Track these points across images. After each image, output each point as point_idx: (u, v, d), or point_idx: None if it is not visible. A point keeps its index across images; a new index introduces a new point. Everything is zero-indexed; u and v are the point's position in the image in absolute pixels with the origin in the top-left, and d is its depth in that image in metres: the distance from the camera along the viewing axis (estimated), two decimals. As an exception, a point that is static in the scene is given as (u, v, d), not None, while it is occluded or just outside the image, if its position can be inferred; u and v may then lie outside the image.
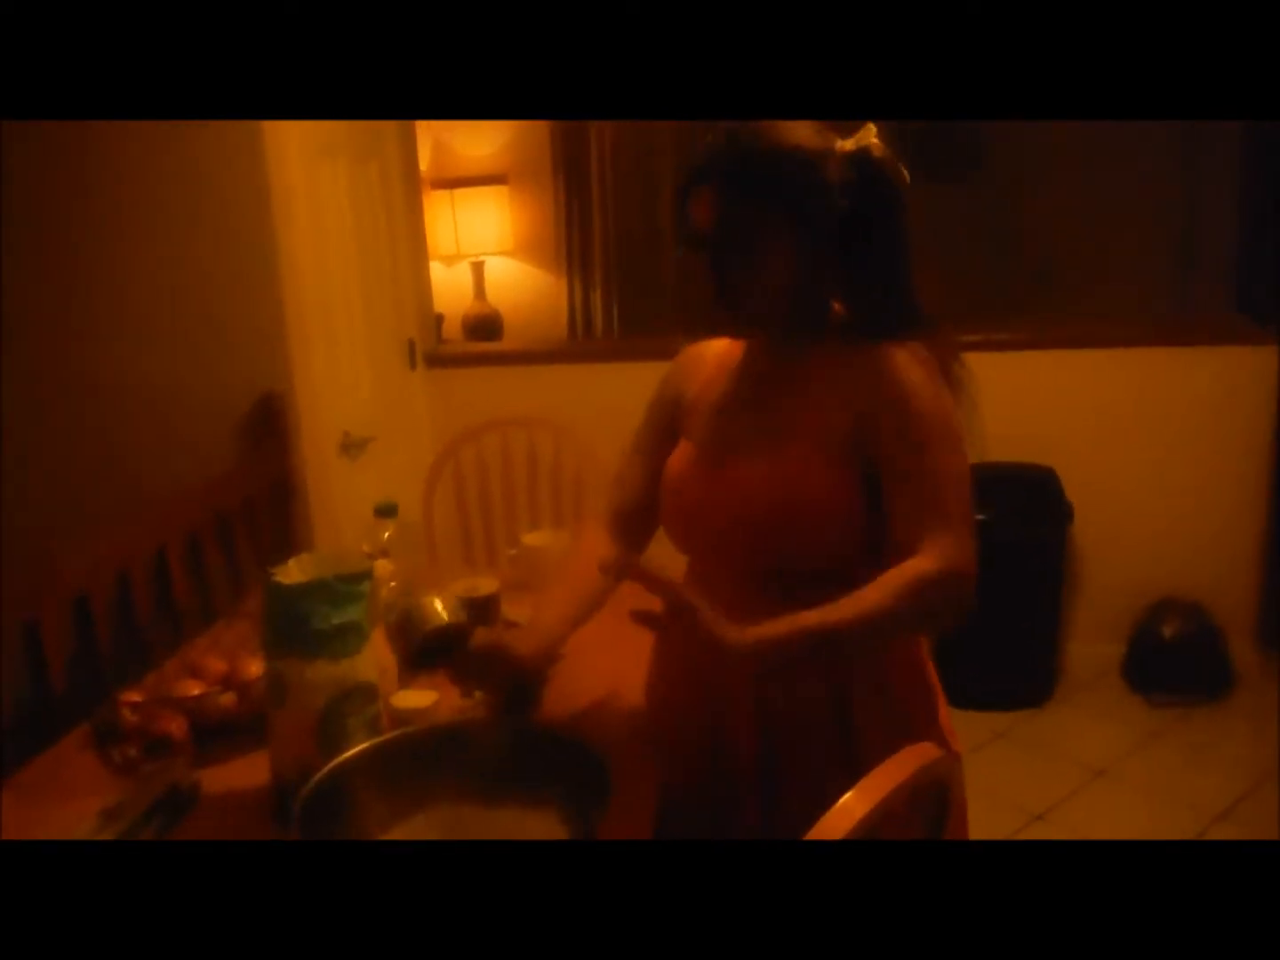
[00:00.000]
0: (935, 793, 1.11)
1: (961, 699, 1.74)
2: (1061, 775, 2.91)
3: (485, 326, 4.51)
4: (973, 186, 4.71)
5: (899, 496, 1.27)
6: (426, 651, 1.36)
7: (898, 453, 1.27)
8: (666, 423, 1.51)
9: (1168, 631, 3.27)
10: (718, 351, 1.50)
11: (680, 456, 1.45)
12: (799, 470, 1.30)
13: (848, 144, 1.30)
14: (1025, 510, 3.21)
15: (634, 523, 1.53)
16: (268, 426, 2.47)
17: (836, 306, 1.39)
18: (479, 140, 4.56)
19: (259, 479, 2.44)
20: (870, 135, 1.31)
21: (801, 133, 1.29)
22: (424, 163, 4.19)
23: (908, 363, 1.28)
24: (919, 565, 1.21)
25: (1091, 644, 3.44)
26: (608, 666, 1.64)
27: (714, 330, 1.48)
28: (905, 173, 1.32)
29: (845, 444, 1.29)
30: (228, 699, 1.54)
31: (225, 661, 1.65)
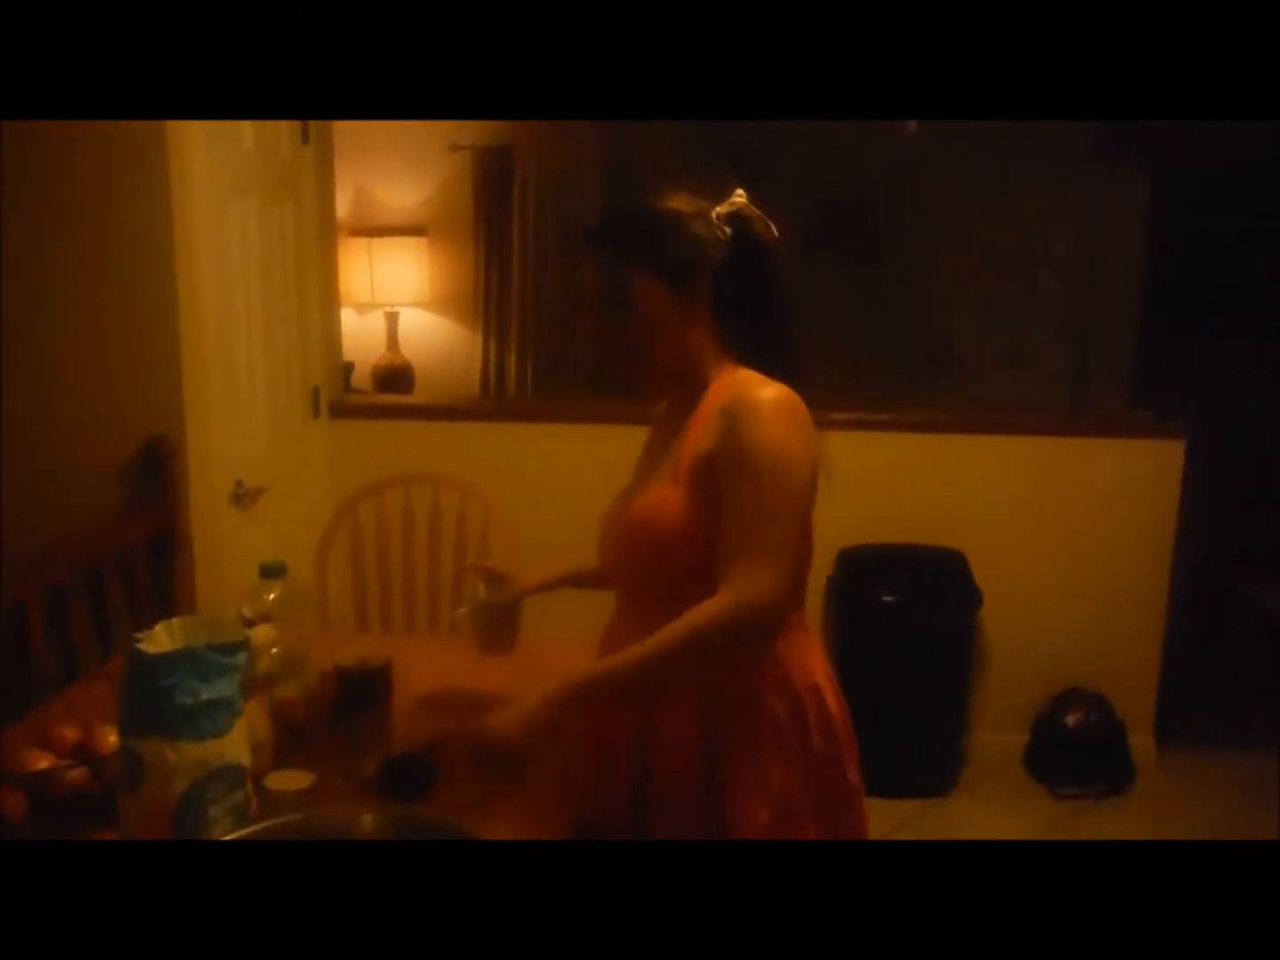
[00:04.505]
0: None
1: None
2: (964, 867, 2.85)
3: (396, 378, 4.40)
4: (879, 271, 4.78)
5: (723, 523, 1.35)
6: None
7: (727, 481, 1.35)
8: None
9: (1070, 721, 3.26)
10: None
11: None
12: (658, 499, 1.42)
13: (720, 207, 1.44)
14: (935, 594, 3.18)
15: None
16: (154, 471, 2.32)
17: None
18: (400, 191, 4.49)
19: (140, 528, 2.27)
20: (740, 197, 1.45)
21: (675, 199, 1.44)
22: (343, 209, 4.10)
23: (759, 397, 1.36)
24: (707, 606, 1.29)
25: (995, 732, 3.42)
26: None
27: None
28: (774, 229, 1.44)
29: (700, 474, 1.38)
30: (77, 775, 1.38)
31: (79, 730, 1.49)
